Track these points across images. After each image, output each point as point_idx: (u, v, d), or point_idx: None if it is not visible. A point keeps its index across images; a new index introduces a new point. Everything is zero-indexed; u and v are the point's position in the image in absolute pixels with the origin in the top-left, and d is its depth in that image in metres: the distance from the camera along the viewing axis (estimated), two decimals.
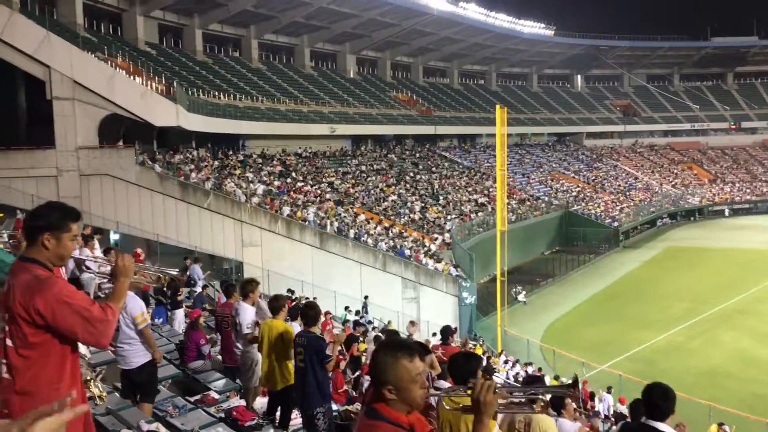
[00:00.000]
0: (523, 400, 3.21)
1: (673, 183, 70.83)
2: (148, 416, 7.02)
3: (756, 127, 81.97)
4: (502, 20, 64.32)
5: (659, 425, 4.40)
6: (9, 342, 3.24)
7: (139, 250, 16.61)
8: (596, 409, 20.66)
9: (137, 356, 7.06)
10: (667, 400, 4.40)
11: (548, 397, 3.30)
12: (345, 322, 24.00)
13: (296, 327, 8.75)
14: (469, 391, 2.88)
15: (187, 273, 18.40)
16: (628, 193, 64.21)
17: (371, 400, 2.82)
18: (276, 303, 7.93)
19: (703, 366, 27.26)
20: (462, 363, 4.59)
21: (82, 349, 8.37)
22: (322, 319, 15.27)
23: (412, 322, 18.70)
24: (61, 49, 27.69)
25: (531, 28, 68.83)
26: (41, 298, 3.16)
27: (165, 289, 13.64)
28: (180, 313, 13.99)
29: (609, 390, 22.11)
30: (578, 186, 61.43)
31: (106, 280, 6.33)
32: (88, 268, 8.48)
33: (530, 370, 24.18)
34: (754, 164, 77.23)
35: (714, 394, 22.62)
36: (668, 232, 60.94)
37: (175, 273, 5.05)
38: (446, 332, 9.66)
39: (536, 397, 3.17)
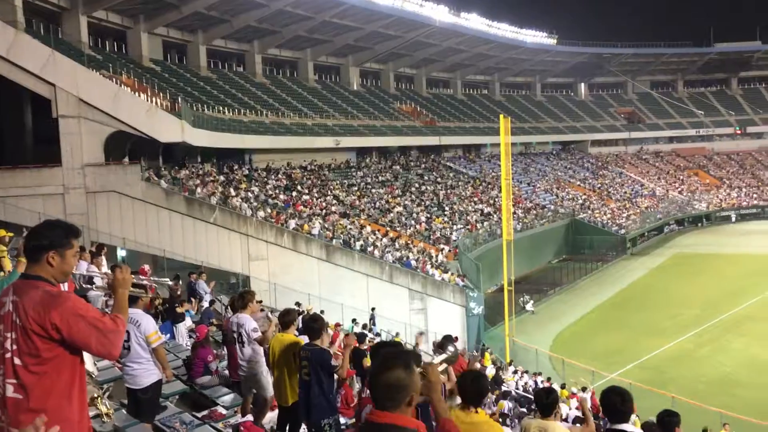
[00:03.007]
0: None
1: (679, 189, 70.63)
2: None
3: (761, 132, 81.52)
4: (504, 30, 64.55)
5: (626, 426, 4.66)
6: (17, 360, 3.21)
7: (146, 267, 16.60)
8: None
9: (147, 376, 7.03)
10: (626, 402, 4.66)
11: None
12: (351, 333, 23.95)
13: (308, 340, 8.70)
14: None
15: (192, 286, 18.39)
16: (634, 200, 64.02)
17: (378, 414, 2.84)
18: (287, 317, 7.92)
19: (713, 373, 27.08)
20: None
21: (89, 366, 8.39)
22: (331, 332, 15.17)
23: (420, 333, 18.77)
24: (67, 67, 27.89)
25: (533, 37, 69.01)
26: (57, 312, 3.20)
27: (163, 304, 13.57)
28: (182, 327, 13.87)
29: None
30: (584, 194, 61.31)
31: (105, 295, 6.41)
32: (95, 284, 8.48)
33: (539, 379, 24.06)
34: (761, 169, 76.86)
35: (725, 402, 22.46)
36: (676, 238, 60.73)
37: (169, 282, 5.24)
38: (447, 342, 8.72)
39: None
